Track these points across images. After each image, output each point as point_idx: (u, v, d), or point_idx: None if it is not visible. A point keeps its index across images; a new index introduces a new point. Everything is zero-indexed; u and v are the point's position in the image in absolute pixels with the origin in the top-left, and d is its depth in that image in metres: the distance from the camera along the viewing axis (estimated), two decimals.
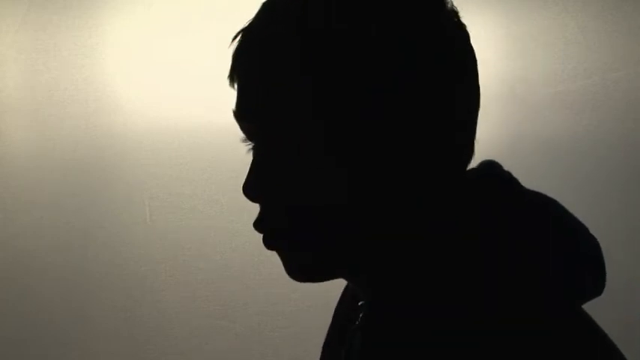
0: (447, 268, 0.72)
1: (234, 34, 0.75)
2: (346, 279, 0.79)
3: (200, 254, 5.88)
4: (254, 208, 0.76)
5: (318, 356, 0.90)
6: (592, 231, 0.75)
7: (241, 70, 0.74)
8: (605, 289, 0.74)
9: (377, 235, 0.73)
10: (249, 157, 0.76)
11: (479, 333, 0.68)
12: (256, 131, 0.74)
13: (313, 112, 0.71)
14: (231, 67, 0.75)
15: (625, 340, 0.76)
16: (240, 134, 0.76)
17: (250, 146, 0.76)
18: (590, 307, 0.73)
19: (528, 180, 0.79)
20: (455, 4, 0.75)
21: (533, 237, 0.71)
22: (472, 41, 0.75)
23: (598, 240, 0.75)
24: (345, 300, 0.89)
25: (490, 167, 0.77)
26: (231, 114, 0.76)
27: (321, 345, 0.92)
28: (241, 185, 0.76)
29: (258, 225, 0.75)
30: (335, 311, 0.91)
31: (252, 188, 0.74)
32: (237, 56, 0.74)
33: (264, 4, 0.75)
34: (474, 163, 0.77)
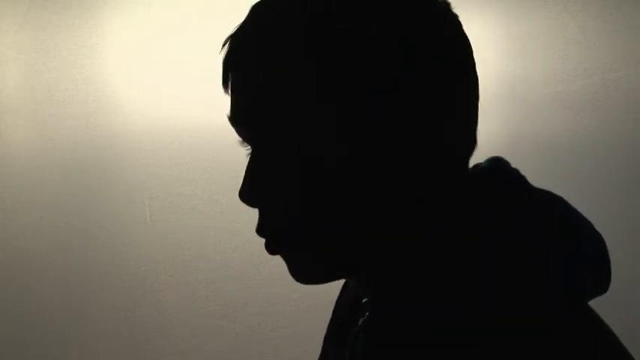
0: (447, 268, 0.72)
1: (224, 40, 0.75)
2: (346, 278, 0.79)
3: (200, 254, 5.89)
4: (254, 209, 0.76)
5: (318, 356, 0.90)
6: None
7: (237, 74, 0.73)
8: None
9: (377, 235, 0.73)
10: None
11: (479, 333, 0.68)
12: (254, 134, 0.74)
13: (313, 112, 0.71)
14: (225, 72, 0.74)
15: (625, 340, 0.76)
16: (238, 137, 0.76)
17: (250, 150, 0.75)
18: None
19: (528, 180, 0.79)
20: (455, 4, 0.74)
21: (534, 236, 0.71)
22: (472, 41, 0.75)
23: None
24: (347, 295, 0.89)
25: (497, 164, 0.77)
26: (227, 110, 0.76)
27: (321, 345, 0.92)
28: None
29: (260, 230, 0.75)
30: (336, 305, 0.91)
31: (248, 193, 0.74)
32: (232, 60, 0.73)
33: (256, 7, 0.74)
34: (476, 160, 0.77)
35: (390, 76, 0.69)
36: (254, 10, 0.73)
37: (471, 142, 0.74)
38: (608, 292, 0.76)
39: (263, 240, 0.75)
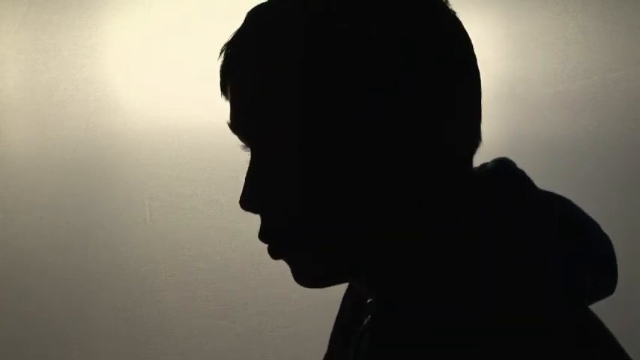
0: (447, 268, 0.72)
1: (221, 48, 0.75)
2: (349, 281, 0.79)
3: (200, 254, 5.89)
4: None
5: (318, 356, 0.90)
6: None
7: (235, 79, 0.73)
8: None
9: (377, 235, 0.73)
10: (250, 157, 0.76)
11: (479, 333, 0.68)
12: (253, 136, 0.74)
13: (313, 112, 0.71)
14: (223, 78, 0.74)
15: (625, 340, 0.76)
16: (240, 142, 0.76)
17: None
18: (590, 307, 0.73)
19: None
20: (455, 4, 0.75)
21: (534, 236, 0.71)
22: (472, 41, 0.75)
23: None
24: (352, 295, 0.89)
25: (501, 165, 0.77)
26: (227, 116, 0.76)
27: (321, 345, 0.92)
28: (241, 185, 0.75)
29: (263, 236, 0.75)
30: (341, 304, 0.91)
31: (249, 200, 0.74)
32: (230, 67, 0.73)
33: (253, 12, 0.74)
34: (478, 161, 0.77)
35: (390, 76, 0.69)
36: (251, 14, 0.73)
37: (473, 142, 0.74)
38: None
39: (264, 242, 0.75)
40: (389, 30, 0.70)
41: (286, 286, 4.77)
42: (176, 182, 7.68)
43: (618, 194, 6.33)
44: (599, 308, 0.75)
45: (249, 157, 0.76)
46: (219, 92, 0.75)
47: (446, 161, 0.72)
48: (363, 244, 0.73)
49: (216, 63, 0.76)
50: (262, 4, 0.73)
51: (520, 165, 0.78)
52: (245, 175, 0.75)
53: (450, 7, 0.73)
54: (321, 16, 0.70)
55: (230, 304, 4.88)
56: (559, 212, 0.73)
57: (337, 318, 0.91)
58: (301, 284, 0.76)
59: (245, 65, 0.72)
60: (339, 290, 0.91)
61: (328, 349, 0.90)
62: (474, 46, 0.76)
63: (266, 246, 0.75)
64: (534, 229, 0.71)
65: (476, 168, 0.77)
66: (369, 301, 0.81)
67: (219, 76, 0.74)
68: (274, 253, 0.75)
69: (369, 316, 0.78)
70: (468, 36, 0.74)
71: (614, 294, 0.76)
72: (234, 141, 0.77)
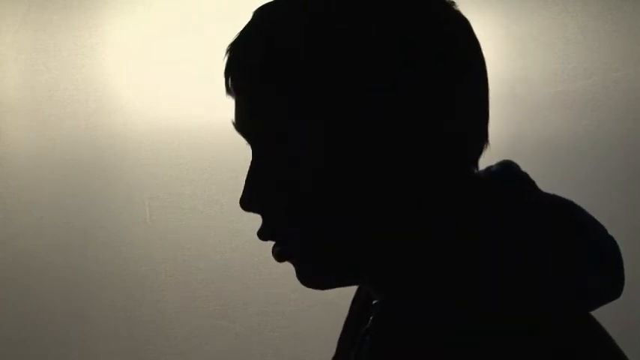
0: (447, 268, 0.72)
1: (226, 45, 0.75)
2: (354, 283, 0.79)
3: (200, 254, 5.88)
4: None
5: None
6: None
7: (240, 78, 0.73)
8: None
9: (377, 235, 0.73)
10: (250, 157, 0.76)
11: (479, 333, 0.68)
12: (256, 136, 0.74)
13: (313, 112, 0.71)
14: (228, 77, 0.74)
15: (625, 341, 0.76)
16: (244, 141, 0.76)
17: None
18: None
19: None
20: (455, 4, 0.75)
21: (534, 237, 0.71)
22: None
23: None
24: (361, 295, 0.89)
25: (505, 167, 0.77)
26: (231, 115, 0.76)
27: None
28: (241, 185, 0.76)
29: (261, 234, 0.75)
30: (351, 304, 0.91)
31: (249, 200, 0.74)
32: (235, 64, 0.74)
33: (258, 10, 0.74)
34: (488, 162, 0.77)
35: (390, 76, 0.69)
36: (256, 14, 0.74)
37: (477, 142, 0.74)
38: None
39: (263, 240, 0.76)
40: (389, 30, 0.70)
41: (286, 286, 4.77)
42: (176, 182, 7.68)
43: (618, 194, 6.32)
44: (600, 308, 0.75)
45: (250, 156, 0.76)
46: (225, 91, 0.75)
47: (447, 161, 0.72)
48: (363, 244, 0.74)
49: (216, 63, 0.76)
50: (268, 3, 0.74)
51: (520, 165, 0.78)
52: (246, 175, 0.75)
53: (456, 7, 0.73)
54: (321, 16, 0.70)
55: (230, 304, 4.88)
56: (562, 214, 0.73)
57: (346, 319, 0.91)
58: (305, 285, 0.76)
59: (248, 65, 0.73)
60: (339, 290, 0.91)
61: (336, 350, 0.90)
62: None
63: (267, 246, 0.75)
64: (534, 230, 0.71)
65: (481, 171, 0.77)
66: (374, 302, 0.81)
67: (223, 75, 0.75)
68: (278, 256, 0.75)
69: (371, 317, 0.78)
70: (472, 36, 0.74)
71: None
72: (234, 141, 0.77)
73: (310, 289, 0.78)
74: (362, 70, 0.69)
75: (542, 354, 0.67)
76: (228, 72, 0.74)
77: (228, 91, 0.75)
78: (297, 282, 0.77)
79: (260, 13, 0.74)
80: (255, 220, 0.75)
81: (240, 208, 0.75)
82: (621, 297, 0.75)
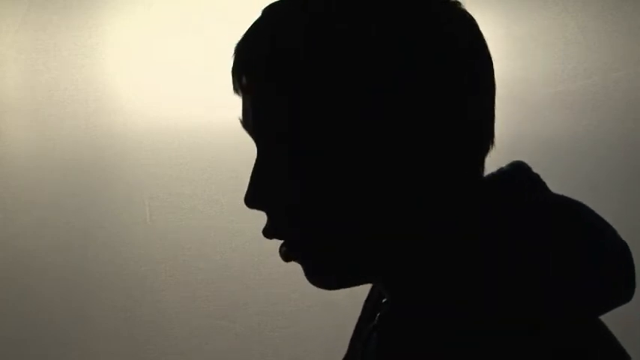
0: (447, 268, 0.72)
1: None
2: (360, 283, 0.79)
3: (200, 254, 5.88)
4: (253, 211, 0.77)
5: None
6: None
7: (245, 77, 0.74)
8: None
9: (376, 236, 0.73)
10: (250, 157, 0.76)
11: (479, 333, 0.68)
12: (260, 134, 0.75)
13: (313, 112, 0.71)
14: (234, 76, 0.75)
15: (625, 341, 0.76)
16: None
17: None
18: None
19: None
20: None
21: (534, 237, 0.71)
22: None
23: None
24: (374, 294, 0.89)
25: (514, 168, 0.77)
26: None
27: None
28: (241, 185, 0.76)
29: (266, 233, 0.75)
30: (364, 303, 0.91)
31: (253, 198, 0.74)
32: (241, 63, 0.74)
33: (266, 10, 0.75)
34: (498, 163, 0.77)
35: (390, 76, 0.69)
36: (264, 12, 0.74)
37: (480, 142, 0.74)
38: None
39: (262, 240, 0.76)
40: (389, 30, 0.70)
41: (286, 286, 4.77)
42: (176, 182, 7.68)
43: (618, 194, 6.32)
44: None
45: (252, 155, 0.76)
46: (232, 90, 0.76)
47: (447, 161, 0.72)
48: (363, 245, 0.74)
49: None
50: (275, 2, 0.74)
51: None
52: (249, 174, 0.75)
53: (461, 7, 0.73)
54: (321, 16, 0.71)
55: (230, 304, 4.88)
56: (565, 214, 0.72)
57: (359, 318, 0.91)
58: (314, 284, 0.77)
59: (252, 64, 0.73)
60: (340, 290, 0.91)
61: (347, 349, 0.91)
62: None
63: (267, 246, 0.76)
64: (535, 230, 0.71)
65: (493, 172, 0.77)
66: (383, 300, 0.81)
67: (230, 74, 0.75)
68: (285, 256, 0.75)
69: (378, 314, 0.78)
70: (475, 36, 0.74)
71: None
72: (234, 141, 0.78)
73: (310, 289, 0.78)
74: (362, 70, 0.69)
75: (542, 354, 0.67)
76: (235, 71, 0.75)
77: (235, 89, 0.75)
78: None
79: (266, 12, 0.74)
80: (255, 221, 0.75)
81: (243, 207, 0.75)
82: None
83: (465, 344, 0.68)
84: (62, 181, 7.76)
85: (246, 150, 0.78)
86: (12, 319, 4.74)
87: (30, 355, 4.30)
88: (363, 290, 0.99)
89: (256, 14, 0.80)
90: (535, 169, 0.78)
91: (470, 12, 0.75)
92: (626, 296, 0.73)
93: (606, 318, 0.74)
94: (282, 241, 0.75)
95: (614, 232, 0.73)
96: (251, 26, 0.75)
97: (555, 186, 0.77)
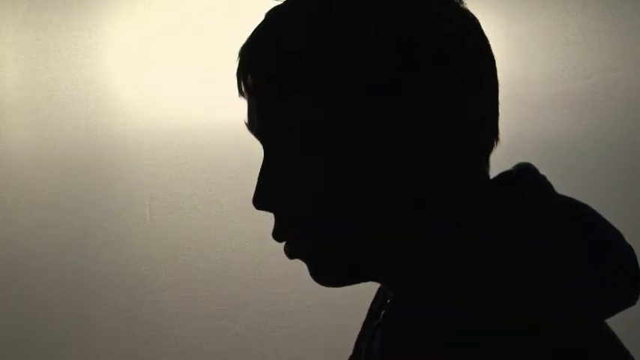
0: (447, 268, 0.72)
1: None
2: (364, 280, 0.79)
3: (200, 254, 5.88)
4: (254, 208, 0.77)
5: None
6: None
7: (249, 79, 0.74)
8: None
9: (376, 236, 0.73)
10: (250, 157, 0.76)
11: (479, 333, 0.68)
12: (265, 136, 0.75)
13: (314, 112, 0.71)
14: (239, 78, 0.75)
15: (625, 341, 0.76)
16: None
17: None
18: None
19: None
20: None
21: (534, 237, 0.71)
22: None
23: None
24: (380, 295, 0.89)
25: (519, 170, 0.77)
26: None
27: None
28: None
29: (276, 235, 0.76)
30: (370, 305, 0.91)
31: (260, 199, 0.75)
32: (245, 66, 0.74)
33: (269, 12, 0.75)
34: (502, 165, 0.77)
35: (390, 76, 0.69)
36: (267, 14, 0.75)
37: (482, 142, 0.74)
38: None
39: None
40: (389, 30, 0.70)
41: (286, 286, 4.77)
42: (176, 182, 7.68)
43: (618, 194, 6.32)
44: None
45: (250, 156, 0.77)
46: (237, 93, 0.76)
47: (447, 161, 0.72)
48: (363, 245, 0.74)
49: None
50: (278, 4, 0.75)
51: None
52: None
53: (463, 6, 0.73)
54: (322, 17, 0.71)
55: (230, 304, 4.88)
56: (567, 215, 0.72)
57: (365, 319, 0.91)
58: (317, 282, 0.77)
59: (256, 67, 0.73)
60: (339, 291, 0.91)
61: (353, 349, 0.91)
62: None
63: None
64: (535, 230, 0.71)
65: (500, 173, 0.77)
66: (388, 300, 0.81)
67: (236, 77, 0.76)
68: (289, 253, 0.76)
69: (382, 314, 0.78)
70: (476, 35, 0.73)
71: None
72: (234, 141, 0.78)
73: (310, 289, 0.78)
74: (362, 70, 0.70)
75: (542, 354, 0.67)
76: (240, 73, 0.75)
77: (240, 92, 0.76)
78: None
79: (270, 15, 0.74)
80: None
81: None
82: None
83: (465, 344, 0.68)
84: (62, 181, 7.76)
85: (246, 150, 0.78)
86: (12, 319, 4.74)
87: (30, 355, 4.30)
88: (363, 290, 0.99)
89: (256, 14, 0.80)
90: None
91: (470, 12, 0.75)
92: (630, 299, 0.72)
93: (610, 319, 0.74)
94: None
95: (619, 234, 0.73)
96: (255, 29, 0.75)
97: (555, 186, 0.76)
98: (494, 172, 0.78)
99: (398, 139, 0.71)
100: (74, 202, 7.16)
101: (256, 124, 0.75)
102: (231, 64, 0.77)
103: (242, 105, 0.79)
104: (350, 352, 0.91)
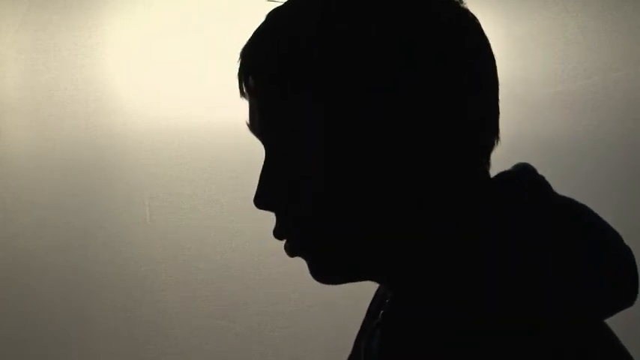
0: (447, 268, 0.72)
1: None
2: (362, 279, 0.80)
3: (200, 254, 5.88)
4: (254, 208, 0.77)
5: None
6: None
7: (250, 81, 0.74)
8: None
9: (376, 236, 0.73)
10: (250, 157, 0.77)
11: (479, 333, 0.68)
12: (266, 137, 0.75)
13: (314, 113, 0.71)
14: (240, 80, 0.75)
15: (625, 340, 0.76)
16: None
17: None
18: None
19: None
20: None
21: (534, 237, 0.71)
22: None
23: None
24: (379, 294, 0.89)
25: (518, 170, 0.77)
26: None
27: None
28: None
29: (276, 233, 0.76)
30: (369, 306, 0.91)
31: (261, 199, 0.75)
32: (246, 67, 0.75)
33: (270, 13, 0.75)
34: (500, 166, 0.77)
35: (390, 76, 0.69)
36: (267, 17, 0.75)
37: (482, 141, 0.74)
38: None
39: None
40: (389, 30, 0.70)
41: (286, 286, 4.77)
42: (176, 182, 7.68)
43: (618, 194, 6.32)
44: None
45: (250, 156, 0.77)
46: (239, 94, 0.76)
47: (447, 161, 0.72)
48: (363, 245, 0.74)
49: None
50: (279, 6, 0.75)
51: None
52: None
53: (463, 6, 0.73)
54: (322, 17, 0.71)
55: (230, 304, 4.88)
56: (566, 215, 0.72)
57: (364, 320, 0.91)
58: (317, 281, 0.77)
59: (257, 68, 0.73)
60: (339, 291, 0.91)
61: (352, 348, 0.91)
62: None
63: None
64: (534, 230, 0.71)
65: (499, 173, 0.77)
66: (387, 300, 0.81)
67: (237, 78, 0.76)
68: (289, 251, 0.76)
69: (381, 313, 0.78)
70: (476, 35, 0.73)
71: None
72: (234, 141, 0.78)
73: (310, 289, 0.78)
74: (362, 71, 0.70)
75: (542, 354, 0.67)
76: (241, 74, 0.75)
77: (242, 93, 0.76)
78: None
79: (271, 17, 0.75)
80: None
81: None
82: None
83: (465, 344, 0.68)
84: (62, 181, 7.76)
85: (246, 150, 0.78)
86: (12, 319, 4.74)
87: (30, 355, 4.30)
88: (363, 290, 0.99)
89: (256, 15, 0.80)
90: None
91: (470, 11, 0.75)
92: (629, 300, 0.72)
93: (609, 319, 0.74)
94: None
95: (617, 235, 0.73)
96: (256, 30, 0.75)
97: (555, 186, 0.76)
98: (494, 172, 0.78)
99: (398, 139, 0.71)
100: (74, 202, 7.16)
101: (258, 124, 0.75)
102: (232, 64, 0.77)
103: (242, 105, 0.79)
104: (350, 351, 0.91)
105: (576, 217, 0.72)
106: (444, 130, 0.71)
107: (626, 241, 0.74)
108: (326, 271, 0.76)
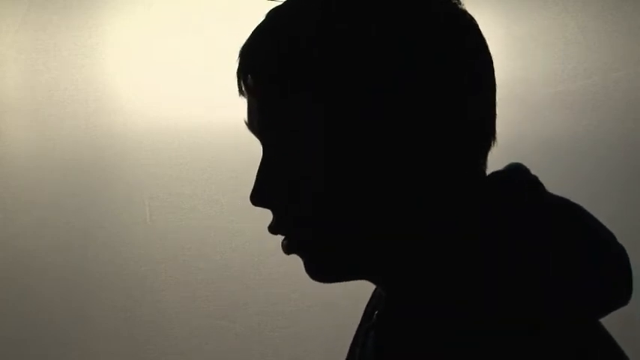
0: (447, 268, 0.72)
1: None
2: (359, 278, 0.80)
3: (200, 254, 5.88)
4: (254, 208, 0.77)
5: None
6: None
7: (249, 79, 0.74)
8: None
9: (376, 236, 0.73)
10: (250, 157, 0.77)
11: (479, 333, 0.68)
12: (265, 135, 0.75)
13: (314, 112, 0.71)
14: (240, 78, 0.75)
15: (625, 340, 0.76)
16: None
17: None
18: None
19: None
20: None
21: (534, 237, 0.71)
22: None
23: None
24: (374, 295, 0.89)
25: (512, 170, 0.77)
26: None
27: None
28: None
29: (271, 229, 0.76)
30: (365, 307, 0.91)
31: (258, 196, 0.75)
32: (246, 66, 0.75)
33: (270, 12, 0.75)
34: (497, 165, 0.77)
35: (390, 76, 0.69)
36: (267, 16, 0.75)
37: (481, 142, 0.74)
38: None
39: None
40: (389, 30, 0.70)
41: (286, 286, 4.77)
42: (176, 182, 7.68)
43: (618, 194, 6.33)
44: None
45: (252, 155, 0.77)
46: (237, 92, 0.76)
47: (447, 161, 0.72)
48: (363, 245, 0.74)
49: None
50: (279, 5, 0.75)
51: None
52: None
53: (461, 6, 0.73)
54: (322, 17, 0.71)
55: (230, 304, 4.88)
56: (564, 215, 0.72)
57: (361, 319, 0.91)
58: (313, 279, 0.77)
59: (256, 67, 0.73)
60: (339, 291, 0.91)
61: (348, 352, 0.91)
62: None
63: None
64: (534, 230, 0.71)
65: (491, 173, 0.77)
66: (382, 300, 0.81)
67: (236, 76, 0.76)
68: (286, 248, 0.76)
69: (375, 314, 0.78)
70: (475, 35, 0.74)
71: None
72: (234, 141, 0.78)
73: (310, 290, 0.78)
74: (362, 70, 0.70)
75: (542, 354, 0.67)
76: (240, 73, 0.75)
77: (241, 92, 0.76)
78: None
79: (270, 16, 0.75)
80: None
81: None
82: None
83: (464, 344, 0.68)
84: (62, 181, 7.76)
85: (246, 150, 0.78)
86: (12, 319, 4.74)
87: (30, 355, 4.30)
88: (363, 290, 0.99)
89: (256, 14, 0.80)
90: (535, 169, 0.78)
91: (470, 12, 0.75)
92: (624, 299, 0.73)
93: (607, 318, 0.74)
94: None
95: (611, 234, 0.73)
96: (255, 29, 0.75)
97: (555, 186, 0.77)
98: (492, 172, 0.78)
99: (398, 139, 0.71)
100: (74, 202, 7.16)
101: (257, 123, 0.75)
102: (231, 64, 0.77)
103: (242, 105, 0.79)
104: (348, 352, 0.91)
105: (575, 217, 0.72)
106: (444, 130, 0.71)
107: (626, 241, 0.75)
108: (325, 271, 0.76)
